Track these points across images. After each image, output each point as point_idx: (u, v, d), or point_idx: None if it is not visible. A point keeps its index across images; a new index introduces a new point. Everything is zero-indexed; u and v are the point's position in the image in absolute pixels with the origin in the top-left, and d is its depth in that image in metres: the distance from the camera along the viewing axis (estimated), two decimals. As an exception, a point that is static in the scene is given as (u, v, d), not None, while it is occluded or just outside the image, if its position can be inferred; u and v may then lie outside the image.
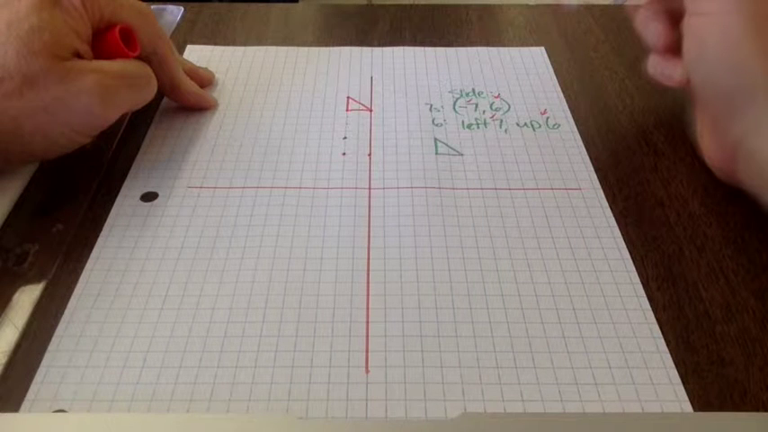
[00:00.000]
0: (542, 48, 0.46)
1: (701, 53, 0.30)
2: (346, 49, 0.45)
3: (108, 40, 0.32)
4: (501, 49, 0.46)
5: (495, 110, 0.40)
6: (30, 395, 0.24)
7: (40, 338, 0.26)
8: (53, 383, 0.24)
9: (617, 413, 0.24)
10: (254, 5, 0.51)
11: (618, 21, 0.49)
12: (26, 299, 0.27)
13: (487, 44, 0.46)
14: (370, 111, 0.40)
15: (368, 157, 0.36)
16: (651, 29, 0.34)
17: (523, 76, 0.43)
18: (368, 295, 0.28)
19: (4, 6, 0.29)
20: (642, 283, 0.29)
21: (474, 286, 0.28)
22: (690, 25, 0.31)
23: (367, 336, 0.26)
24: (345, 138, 0.37)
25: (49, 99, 0.29)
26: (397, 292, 0.28)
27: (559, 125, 0.38)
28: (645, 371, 0.25)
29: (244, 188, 0.33)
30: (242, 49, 0.45)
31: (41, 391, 0.24)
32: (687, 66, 0.32)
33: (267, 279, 0.29)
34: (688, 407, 0.24)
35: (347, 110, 0.40)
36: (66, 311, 0.27)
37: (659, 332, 0.27)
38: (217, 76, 0.42)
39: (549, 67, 0.44)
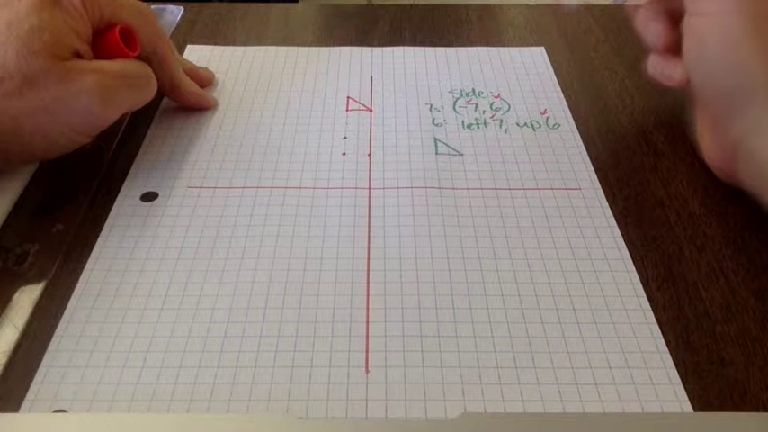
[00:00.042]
0: (542, 48, 0.46)
1: (701, 53, 0.30)
2: (346, 49, 0.45)
3: (108, 40, 0.32)
4: (501, 49, 0.46)
5: (495, 110, 0.40)
6: (30, 395, 0.24)
7: (40, 338, 0.26)
8: (53, 383, 0.24)
9: (617, 413, 0.24)
10: (254, 5, 0.51)
11: (618, 21, 0.49)
12: (26, 299, 0.27)
13: (487, 44, 0.46)
14: (370, 111, 0.40)
15: (368, 157, 0.36)
16: (651, 29, 0.34)
17: (523, 76, 0.43)
18: (368, 295, 0.28)
19: (4, 6, 0.29)
20: (642, 283, 0.29)
21: (474, 286, 0.28)
22: (690, 25, 0.31)
23: (367, 336, 0.26)
24: (345, 138, 0.37)
25: (49, 99, 0.29)
26: (397, 292, 0.28)
27: (559, 125, 0.38)
28: (645, 371, 0.25)
29: (244, 188, 0.33)
30: (242, 49, 0.45)
31: (41, 391, 0.24)
32: (687, 66, 0.32)
33: (267, 279, 0.29)
34: (688, 407, 0.24)
35: (347, 110, 0.40)
36: (66, 311, 0.27)
37: (659, 332, 0.27)
38: (217, 76, 0.42)
39: (549, 67, 0.44)
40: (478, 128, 0.38)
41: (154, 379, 0.25)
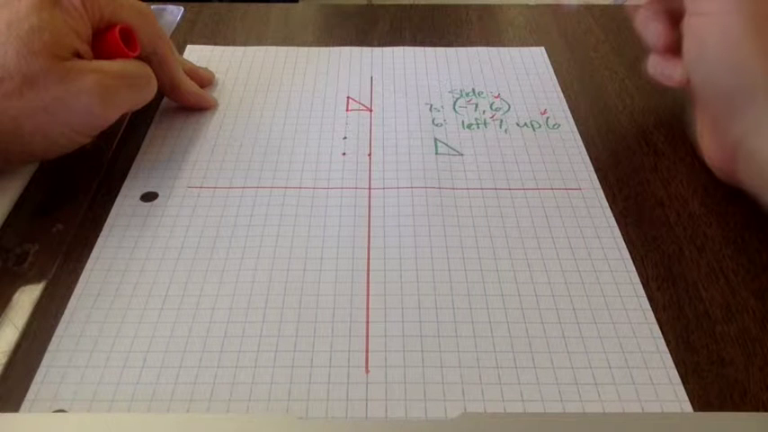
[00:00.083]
0: (542, 48, 0.46)
1: (701, 53, 0.30)
2: (346, 49, 0.45)
3: (108, 40, 0.32)
4: (501, 49, 0.46)
5: (495, 110, 0.40)
6: (30, 395, 0.24)
7: (40, 338, 0.26)
8: (53, 383, 0.24)
9: (617, 413, 0.24)
10: (254, 5, 0.51)
11: (618, 21, 0.49)
12: (26, 299, 0.27)
13: (487, 44, 0.46)
14: (370, 111, 0.40)
15: (368, 157, 0.36)
16: (651, 29, 0.34)
17: (523, 76, 0.43)
18: (368, 295, 0.28)
19: (4, 6, 0.29)
20: (642, 283, 0.29)
21: (474, 286, 0.28)
22: (690, 25, 0.31)
23: (367, 336, 0.26)
24: (345, 138, 0.37)
25: (48, 99, 0.29)
26: (397, 292, 0.28)
27: (559, 125, 0.38)
28: (645, 371, 0.25)
29: (244, 188, 0.33)
30: (242, 49, 0.45)
31: (41, 391, 0.24)
32: (687, 66, 0.32)
33: (267, 279, 0.29)
34: (688, 407, 0.24)
35: (347, 110, 0.40)
36: (66, 311, 0.27)
37: (659, 332, 0.27)
38: (217, 76, 0.42)
39: (549, 67, 0.44)
40: (478, 128, 0.38)
41: (154, 379, 0.25)
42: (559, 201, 0.33)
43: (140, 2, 0.34)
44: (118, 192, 0.33)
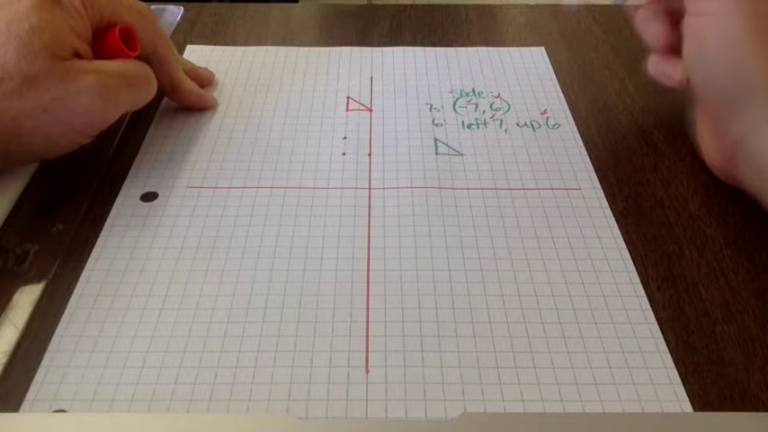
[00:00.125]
0: (542, 48, 0.46)
1: (701, 53, 0.30)
2: (346, 49, 0.45)
3: (108, 40, 0.32)
4: (501, 49, 0.46)
5: (495, 110, 0.40)
6: (30, 395, 0.24)
7: (40, 338, 0.26)
8: (53, 383, 0.24)
9: (617, 413, 0.24)
10: (253, 5, 0.51)
11: (618, 21, 0.49)
12: (26, 299, 0.27)
13: (487, 44, 0.46)
14: (370, 111, 0.40)
15: (368, 157, 0.36)
16: (651, 29, 0.34)
17: (523, 76, 0.43)
18: (368, 295, 0.28)
19: (4, 6, 0.29)
20: (642, 283, 0.29)
21: (474, 286, 0.28)
22: (690, 25, 0.31)
23: (367, 336, 0.26)
24: (345, 138, 0.37)
25: (48, 99, 0.29)
26: (397, 292, 0.28)
27: (559, 125, 0.38)
28: (645, 371, 0.25)
29: (244, 188, 0.33)
30: (242, 49, 0.45)
31: (41, 391, 0.24)
32: (687, 66, 0.32)
33: (267, 279, 0.29)
34: (688, 407, 0.24)
35: (347, 110, 0.40)
36: (66, 311, 0.27)
37: (659, 332, 0.27)
38: (217, 76, 0.42)
39: (549, 67, 0.44)
40: (478, 128, 0.38)
41: (154, 379, 0.25)
42: (559, 201, 0.33)
43: (140, 2, 0.34)
44: (118, 192, 0.33)
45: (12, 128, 0.29)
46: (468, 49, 0.46)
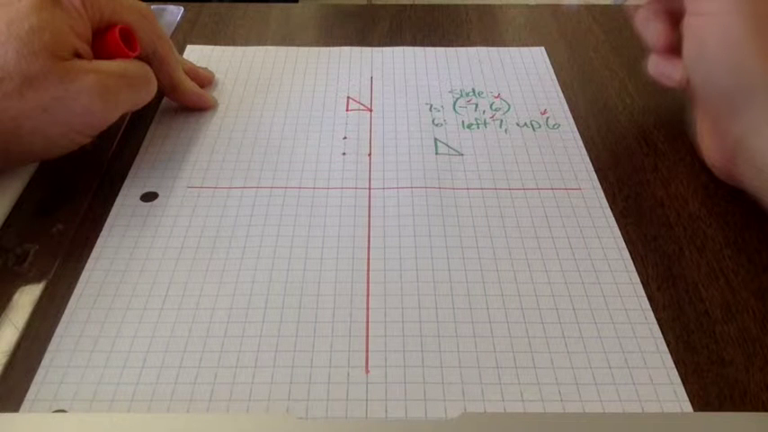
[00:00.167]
0: (542, 48, 0.46)
1: (701, 53, 0.30)
2: (346, 49, 0.45)
3: (108, 40, 0.32)
4: (501, 49, 0.46)
5: (495, 110, 0.40)
6: (30, 395, 0.24)
7: (40, 338, 0.26)
8: (53, 383, 0.24)
9: (617, 413, 0.24)
10: (253, 5, 0.51)
11: (618, 21, 0.49)
12: (26, 299, 0.27)
13: (487, 44, 0.46)
14: (370, 111, 0.40)
15: (368, 157, 0.36)
16: (651, 29, 0.34)
17: (523, 76, 0.43)
18: (368, 295, 0.28)
19: (4, 6, 0.29)
20: (642, 283, 0.29)
21: (474, 286, 0.28)
22: (690, 25, 0.31)
23: (367, 336, 0.26)
24: (345, 138, 0.37)
25: (48, 99, 0.29)
26: (397, 292, 0.28)
27: (559, 125, 0.38)
28: (645, 371, 0.25)
29: (244, 188, 0.33)
30: (242, 49, 0.45)
31: (41, 391, 0.24)
32: (687, 66, 0.32)
33: (267, 279, 0.29)
34: (688, 407, 0.24)
35: (347, 110, 0.40)
36: (66, 311, 0.27)
37: (659, 332, 0.27)
38: (217, 76, 0.42)
39: (549, 67, 0.44)
40: (478, 128, 0.38)
41: (154, 379, 0.25)
42: (559, 201, 0.33)
43: (140, 2, 0.34)
44: (118, 192, 0.33)
45: (12, 128, 0.29)
46: (468, 49, 0.46)
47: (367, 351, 0.26)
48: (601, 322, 0.27)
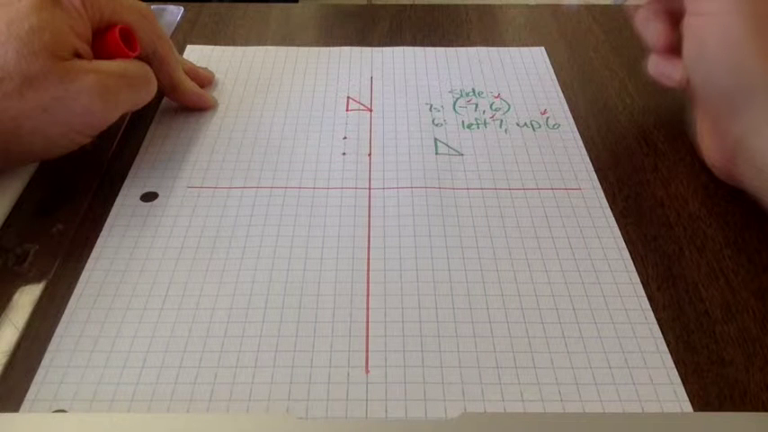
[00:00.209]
0: (542, 48, 0.46)
1: (701, 53, 0.30)
2: (346, 49, 0.45)
3: (108, 40, 0.32)
4: (501, 49, 0.46)
5: (495, 110, 0.40)
6: (30, 395, 0.24)
7: (40, 338, 0.26)
8: (53, 383, 0.24)
9: (617, 413, 0.24)
10: (253, 5, 0.51)
11: (618, 21, 0.49)
12: (26, 299, 0.27)
13: (487, 44, 0.46)
14: (370, 111, 0.40)
15: (368, 157, 0.36)
16: (651, 29, 0.34)
17: (523, 76, 0.43)
18: (368, 295, 0.28)
19: (4, 6, 0.29)
20: (642, 283, 0.29)
21: (474, 286, 0.28)
22: (690, 25, 0.31)
23: (367, 336, 0.26)
24: (345, 138, 0.37)
25: (48, 99, 0.29)
26: (397, 292, 0.28)
27: (559, 125, 0.38)
28: (645, 371, 0.25)
29: (244, 188, 0.33)
30: (242, 49, 0.45)
31: (41, 391, 0.24)
32: (687, 66, 0.32)
33: (267, 279, 0.29)
34: (688, 407, 0.24)
35: (347, 110, 0.40)
36: (66, 311, 0.27)
37: (659, 332, 0.27)
38: (217, 76, 0.42)
39: (549, 67, 0.44)
40: (478, 128, 0.38)
41: (154, 379, 0.25)
42: (559, 201, 0.33)
43: (140, 2, 0.34)
44: (118, 192, 0.33)
45: (12, 128, 0.29)
46: (468, 49, 0.46)
47: (367, 351, 0.26)
48: (601, 322, 0.27)
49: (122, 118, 0.36)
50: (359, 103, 0.40)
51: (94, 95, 0.30)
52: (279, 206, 0.32)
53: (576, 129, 0.38)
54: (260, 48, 0.45)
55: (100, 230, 0.31)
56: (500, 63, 0.44)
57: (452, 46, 0.46)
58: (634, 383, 0.25)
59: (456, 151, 0.36)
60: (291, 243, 0.30)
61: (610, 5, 0.51)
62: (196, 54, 0.44)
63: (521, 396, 0.24)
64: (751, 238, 0.31)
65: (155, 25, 0.35)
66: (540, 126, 0.38)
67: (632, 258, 0.30)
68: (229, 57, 0.44)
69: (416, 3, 0.56)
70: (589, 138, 0.37)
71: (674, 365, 0.25)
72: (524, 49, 0.46)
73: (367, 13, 0.51)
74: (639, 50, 0.37)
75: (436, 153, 0.36)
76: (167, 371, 0.25)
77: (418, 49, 0.45)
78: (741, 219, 0.32)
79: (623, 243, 0.31)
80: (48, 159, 0.33)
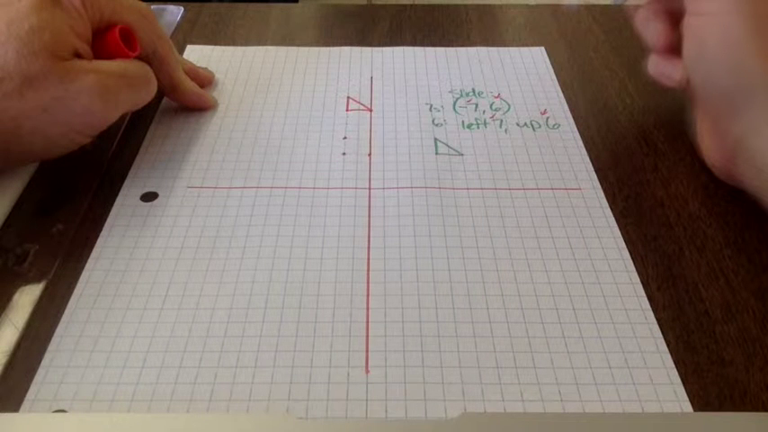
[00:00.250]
0: (542, 48, 0.46)
1: (701, 53, 0.30)
2: (346, 49, 0.45)
3: (108, 40, 0.32)
4: (501, 49, 0.46)
5: (495, 110, 0.40)
6: (30, 395, 0.24)
7: (40, 338, 0.26)
8: (53, 383, 0.24)
9: (617, 413, 0.24)
10: (253, 5, 0.51)
11: (618, 21, 0.49)
12: (26, 299, 0.27)
13: (487, 44, 0.46)
14: (370, 111, 0.40)
15: (368, 157, 0.36)
16: (651, 29, 0.34)
17: (523, 76, 0.43)
18: (368, 295, 0.28)
19: (4, 6, 0.29)
20: (642, 283, 0.29)
21: (474, 286, 0.28)
22: (690, 25, 0.31)
23: (367, 336, 0.26)
24: (345, 138, 0.37)
25: (48, 99, 0.29)
26: (397, 292, 0.28)
27: (559, 125, 0.38)
28: (645, 371, 0.25)
29: (244, 188, 0.33)
30: (242, 49, 0.45)
31: (41, 391, 0.24)
32: (687, 66, 0.32)
33: (267, 279, 0.29)
34: (688, 407, 0.24)
35: (347, 110, 0.40)
36: (66, 311, 0.27)
37: (659, 332, 0.27)
38: (217, 76, 0.42)
39: (549, 67, 0.44)
40: (478, 128, 0.38)
41: (154, 379, 0.25)
42: (559, 201, 0.33)
43: (140, 2, 0.34)
44: (118, 192, 0.33)
45: (12, 128, 0.29)
46: (468, 49, 0.46)
47: (367, 351, 0.26)
48: (601, 322, 0.27)
49: (122, 118, 0.36)
50: (359, 103, 0.40)
51: (94, 95, 0.30)
52: (279, 206, 0.32)
53: (575, 129, 0.38)
54: (260, 48, 0.45)
55: (100, 230, 0.31)
56: (500, 63, 0.44)
57: (452, 46, 0.46)
58: (634, 383, 0.25)
59: (456, 151, 0.36)
60: (291, 243, 0.30)
61: (610, 5, 0.51)
62: (196, 54, 0.44)
63: (521, 396, 0.24)
64: (751, 238, 0.31)
65: (155, 25, 0.35)
66: (540, 126, 0.38)
67: (632, 258, 0.30)
68: (229, 57, 0.44)
69: (416, 3, 0.56)
70: (589, 138, 0.37)
71: (674, 365, 0.25)
72: (524, 49, 0.46)
73: (367, 13, 0.51)
74: (639, 50, 0.37)
75: (436, 153, 0.36)
76: (167, 371, 0.25)
77: (418, 49, 0.45)
78: (741, 219, 0.32)
79: (623, 243, 0.31)
80: (48, 159, 0.33)
